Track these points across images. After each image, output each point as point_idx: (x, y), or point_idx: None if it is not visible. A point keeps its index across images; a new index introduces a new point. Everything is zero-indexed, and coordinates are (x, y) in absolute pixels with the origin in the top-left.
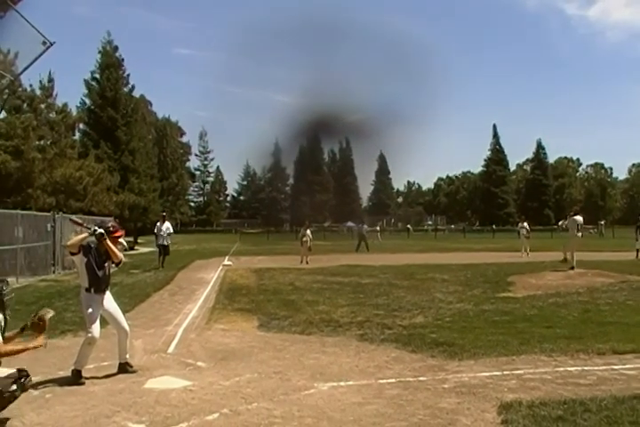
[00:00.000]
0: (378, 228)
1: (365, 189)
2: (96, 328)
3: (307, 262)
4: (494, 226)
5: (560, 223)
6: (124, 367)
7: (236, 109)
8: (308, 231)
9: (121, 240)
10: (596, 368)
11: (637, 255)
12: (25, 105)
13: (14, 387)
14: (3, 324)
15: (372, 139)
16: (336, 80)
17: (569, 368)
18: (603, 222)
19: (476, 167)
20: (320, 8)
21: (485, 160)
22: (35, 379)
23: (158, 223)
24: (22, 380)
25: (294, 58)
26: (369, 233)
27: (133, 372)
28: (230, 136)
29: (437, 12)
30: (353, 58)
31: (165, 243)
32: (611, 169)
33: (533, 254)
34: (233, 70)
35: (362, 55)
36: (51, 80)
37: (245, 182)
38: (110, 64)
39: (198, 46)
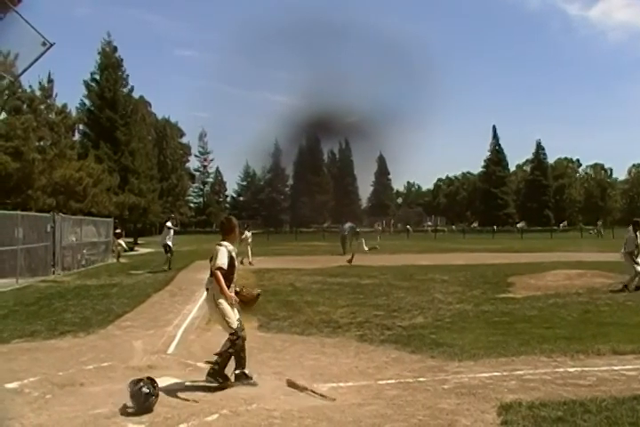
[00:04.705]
0: (380, 228)
1: (365, 189)
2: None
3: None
4: (495, 226)
5: None
6: None
7: (235, 110)
8: None
9: (120, 241)
10: (595, 369)
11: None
12: (25, 106)
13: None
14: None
15: (372, 139)
16: (336, 80)
17: (569, 369)
18: (600, 223)
19: (476, 168)
20: (319, 8)
21: (485, 161)
22: (34, 380)
23: (168, 223)
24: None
25: (294, 58)
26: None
27: None
28: (230, 137)
29: (438, 11)
30: (353, 58)
31: (170, 243)
32: (610, 170)
33: (533, 255)
34: (232, 71)
35: (362, 55)
36: (50, 81)
37: (245, 183)
38: (110, 65)
39: (198, 47)
